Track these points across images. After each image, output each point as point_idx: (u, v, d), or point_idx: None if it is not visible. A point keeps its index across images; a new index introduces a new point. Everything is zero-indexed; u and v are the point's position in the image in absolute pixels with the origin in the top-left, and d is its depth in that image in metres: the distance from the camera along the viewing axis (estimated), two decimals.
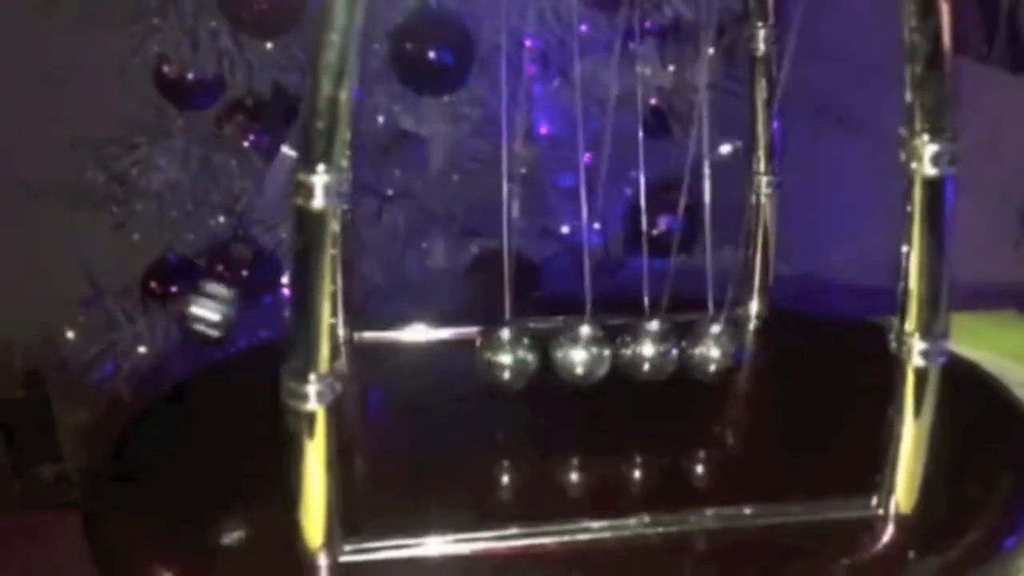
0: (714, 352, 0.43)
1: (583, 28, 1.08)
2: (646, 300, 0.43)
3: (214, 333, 0.42)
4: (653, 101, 1.17)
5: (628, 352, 0.42)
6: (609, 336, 0.43)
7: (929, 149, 0.33)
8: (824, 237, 1.03)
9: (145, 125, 1.13)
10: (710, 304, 0.44)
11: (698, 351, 0.43)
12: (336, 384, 0.34)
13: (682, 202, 0.43)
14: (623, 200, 1.11)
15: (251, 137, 1.12)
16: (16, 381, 1.34)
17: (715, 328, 0.42)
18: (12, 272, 1.26)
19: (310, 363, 0.33)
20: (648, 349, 0.42)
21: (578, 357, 0.42)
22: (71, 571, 0.41)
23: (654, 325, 0.42)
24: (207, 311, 0.42)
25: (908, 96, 0.32)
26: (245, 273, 1.15)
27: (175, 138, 1.12)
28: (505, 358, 0.42)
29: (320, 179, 0.31)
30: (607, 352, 0.43)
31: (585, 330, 0.42)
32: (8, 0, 1.20)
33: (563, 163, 1.07)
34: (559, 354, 0.42)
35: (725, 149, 0.97)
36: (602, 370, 0.43)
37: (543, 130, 1.14)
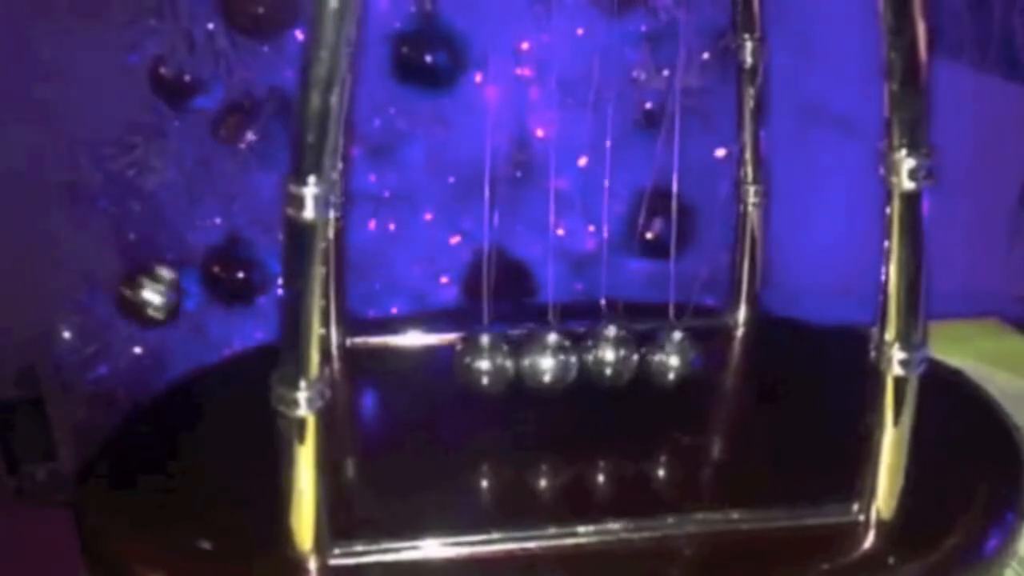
0: (673, 360, 0.43)
1: (579, 31, 1.08)
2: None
3: (159, 316, 0.43)
4: (648, 105, 1.18)
5: (590, 357, 0.43)
6: (575, 342, 0.43)
7: (906, 164, 0.33)
8: (814, 242, 1.04)
9: (141, 126, 1.13)
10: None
11: (657, 358, 0.43)
12: (326, 390, 0.34)
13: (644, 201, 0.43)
14: (618, 203, 1.12)
15: (247, 139, 1.12)
16: (10, 380, 1.34)
17: (676, 335, 0.43)
18: (6, 271, 1.26)
19: (300, 370, 0.34)
20: (609, 354, 0.43)
21: (545, 364, 0.43)
22: (65, 570, 0.42)
23: (612, 331, 0.43)
24: (154, 295, 0.43)
25: (886, 111, 0.33)
26: (241, 275, 1.16)
27: (171, 139, 1.12)
28: (483, 364, 0.43)
29: (310, 191, 0.31)
30: (573, 359, 0.43)
31: (552, 338, 0.43)
32: None
33: (558, 166, 1.08)
34: (526, 362, 0.43)
35: (720, 154, 0.97)
36: (569, 377, 0.43)
37: (538, 133, 1.14)
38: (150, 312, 0.44)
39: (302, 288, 0.32)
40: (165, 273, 0.44)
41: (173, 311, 0.44)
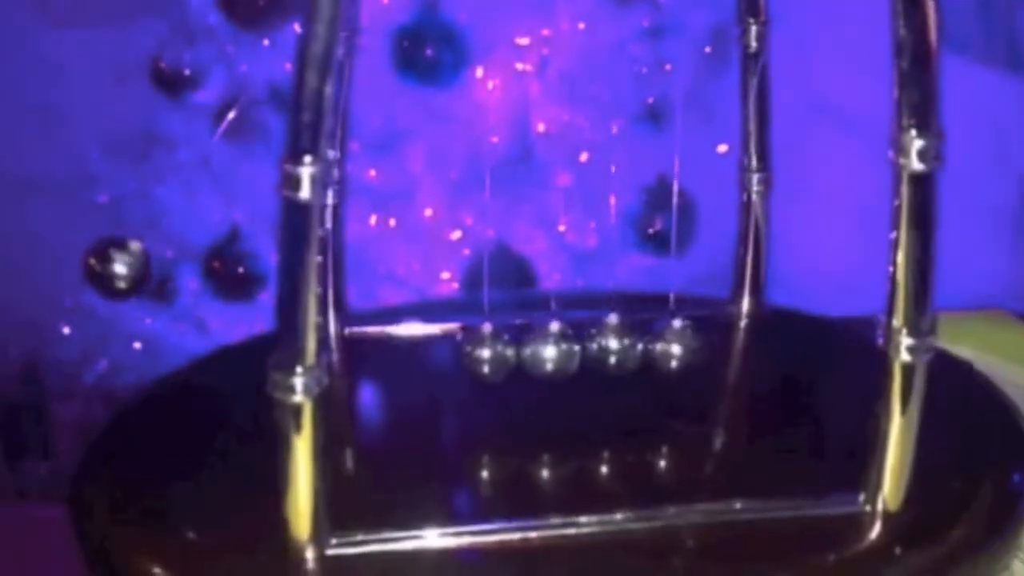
0: (675, 349, 0.43)
1: (580, 26, 1.08)
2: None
3: (124, 286, 0.44)
4: (650, 100, 1.17)
5: (595, 346, 0.43)
6: (578, 332, 0.43)
7: (916, 144, 0.33)
8: (818, 234, 1.03)
9: (140, 121, 1.13)
10: None
11: (659, 347, 0.43)
12: (323, 376, 0.34)
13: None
14: (621, 198, 1.12)
15: (247, 135, 1.12)
16: (11, 379, 1.34)
17: (677, 324, 0.43)
18: (6, 268, 1.26)
19: (296, 355, 0.33)
20: (614, 344, 0.42)
21: (548, 353, 0.42)
22: (64, 567, 0.41)
23: (614, 319, 0.42)
24: (122, 266, 0.44)
25: (896, 92, 0.33)
26: (241, 270, 1.15)
27: (171, 134, 1.12)
28: (485, 353, 0.42)
29: (307, 170, 0.31)
30: (576, 348, 0.43)
31: (554, 326, 0.42)
32: None
33: (559, 161, 1.07)
34: (528, 351, 0.43)
35: (722, 149, 0.97)
36: (572, 366, 0.43)
37: (539, 128, 1.14)
38: (117, 284, 0.46)
39: (298, 270, 0.32)
40: (134, 246, 0.46)
41: (138, 282, 0.45)
